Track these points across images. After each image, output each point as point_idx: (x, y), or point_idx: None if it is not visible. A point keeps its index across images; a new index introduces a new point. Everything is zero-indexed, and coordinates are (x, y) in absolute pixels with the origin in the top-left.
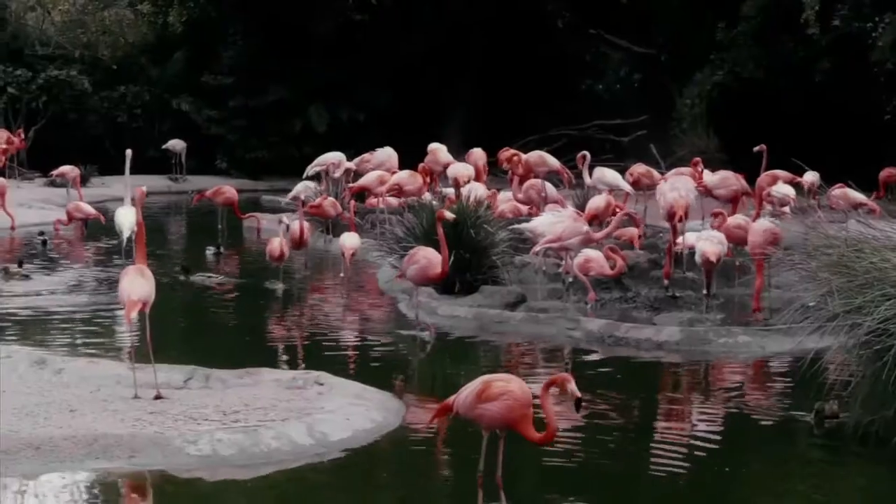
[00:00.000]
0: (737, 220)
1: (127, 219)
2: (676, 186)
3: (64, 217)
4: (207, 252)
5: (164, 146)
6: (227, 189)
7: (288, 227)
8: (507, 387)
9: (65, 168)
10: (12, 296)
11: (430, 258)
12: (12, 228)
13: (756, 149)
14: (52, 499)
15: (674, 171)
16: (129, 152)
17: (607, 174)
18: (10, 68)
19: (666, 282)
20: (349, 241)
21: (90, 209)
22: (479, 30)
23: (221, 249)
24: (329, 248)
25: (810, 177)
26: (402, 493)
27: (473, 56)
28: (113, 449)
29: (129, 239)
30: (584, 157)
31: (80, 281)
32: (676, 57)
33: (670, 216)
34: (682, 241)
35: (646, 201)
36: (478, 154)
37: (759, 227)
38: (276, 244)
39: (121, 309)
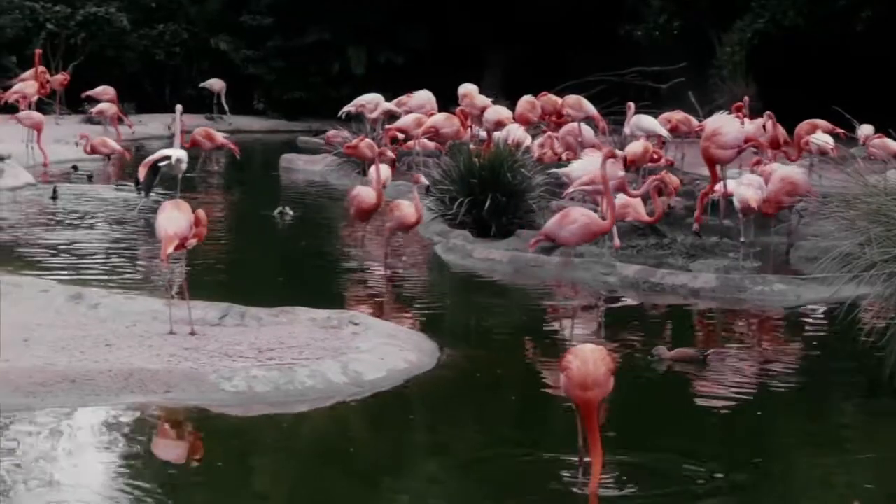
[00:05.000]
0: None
1: (176, 150)
2: (749, 182)
3: (89, 142)
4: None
5: (201, 84)
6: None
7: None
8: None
9: (103, 105)
10: (48, 229)
11: (589, 214)
12: (45, 165)
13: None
14: (89, 431)
15: (714, 116)
16: (179, 108)
17: (644, 120)
18: (49, 4)
19: (696, 226)
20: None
21: (116, 145)
22: None
23: (288, 210)
24: None
25: (867, 129)
26: (435, 434)
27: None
28: (148, 383)
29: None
30: (630, 106)
31: (115, 214)
32: (717, 4)
33: (744, 211)
34: (720, 187)
35: (683, 148)
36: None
37: (778, 175)
38: (370, 196)
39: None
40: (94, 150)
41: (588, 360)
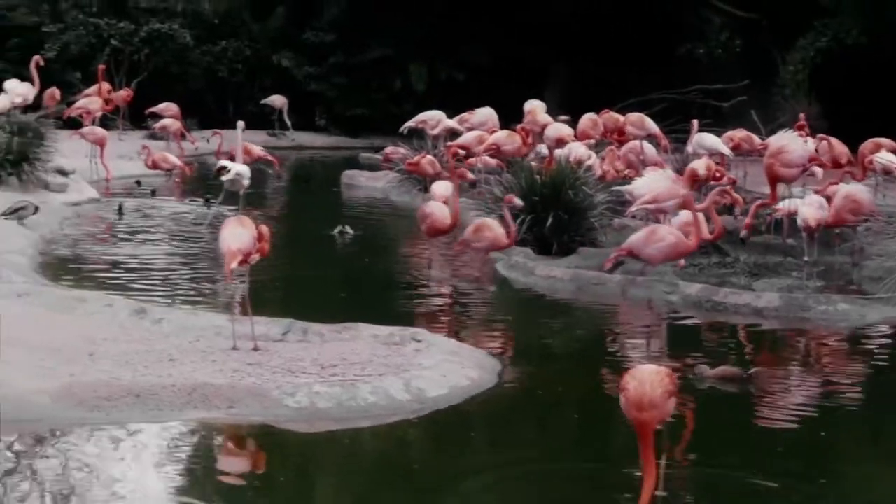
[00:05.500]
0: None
1: (240, 165)
2: (811, 201)
3: (150, 156)
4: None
5: (263, 101)
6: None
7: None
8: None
9: (166, 121)
10: (112, 244)
11: (676, 233)
12: (107, 179)
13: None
14: (153, 446)
15: (778, 134)
16: (241, 124)
17: (707, 138)
18: (114, 21)
19: (744, 233)
20: (440, 188)
21: (176, 161)
22: None
23: (348, 229)
24: None
25: None
26: (497, 452)
27: (574, 17)
28: (212, 398)
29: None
30: (693, 124)
31: (179, 230)
32: (779, 22)
33: (808, 230)
34: (783, 205)
35: (746, 167)
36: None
37: (842, 193)
38: (444, 215)
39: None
40: (155, 166)
41: (645, 381)
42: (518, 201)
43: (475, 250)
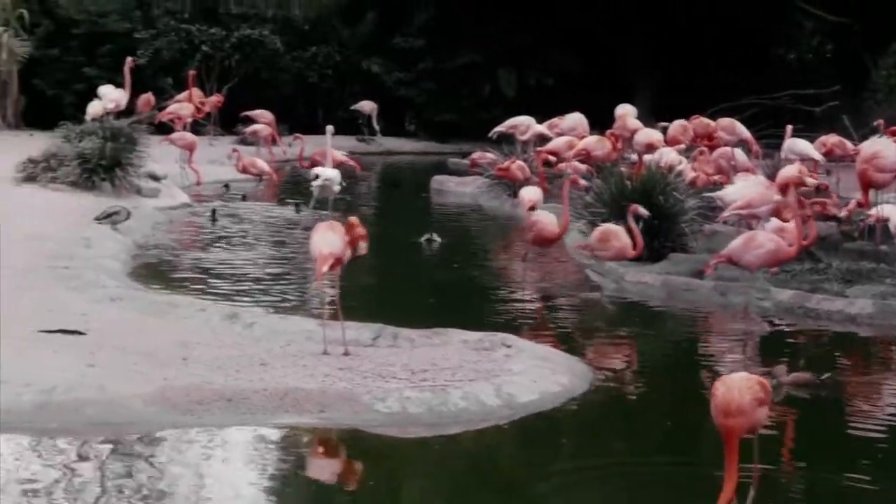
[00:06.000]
0: None
1: (332, 171)
2: None
3: (240, 161)
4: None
5: (352, 107)
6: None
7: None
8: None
9: (257, 126)
10: (204, 248)
11: (776, 239)
12: (198, 183)
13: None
14: (244, 450)
15: (871, 139)
16: (329, 129)
17: (798, 143)
18: (205, 27)
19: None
20: (529, 193)
21: (265, 167)
22: None
23: (436, 237)
24: (516, 212)
25: None
26: (588, 458)
27: (664, 22)
28: (303, 403)
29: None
30: (787, 129)
31: (270, 235)
32: (871, 27)
33: None
34: (875, 211)
35: (838, 173)
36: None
37: None
38: (553, 225)
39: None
40: (244, 170)
41: (734, 387)
42: (643, 211)
43: (599, 259)
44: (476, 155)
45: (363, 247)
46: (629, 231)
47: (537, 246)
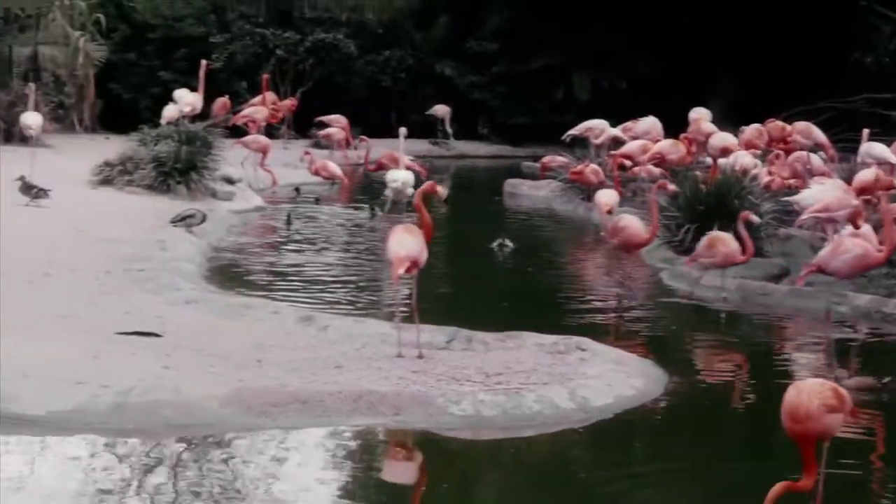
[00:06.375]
0: None
1: (402, 174)
2: None
3: (313, 163)
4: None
5: (427, 112)
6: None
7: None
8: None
9: (331, 130)
10: (278, 251)
11: (863, 245)
12: (273, 183)
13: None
14: (320, 452)
15: None
16: (402, 131)
17: (875, 148)
18: (279, 31)
19: None
20: (604, 196)
21: (337, 170)
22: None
23: (508, 242)
24: (590, 215)
25: None
26: (663, 462)
27: (739, 26)
28: (378, 405)
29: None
30: (864, 133)
31: (344, 237)
32: None
33: None
34: None
35: None
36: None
37: None
38: (641, 230)
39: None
40: (316, 173)
41: (804, 392)
42: (755, 218)
43: (706, 266)
44: (546, 159)
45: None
46: (738, 237)
47: (623, 251)
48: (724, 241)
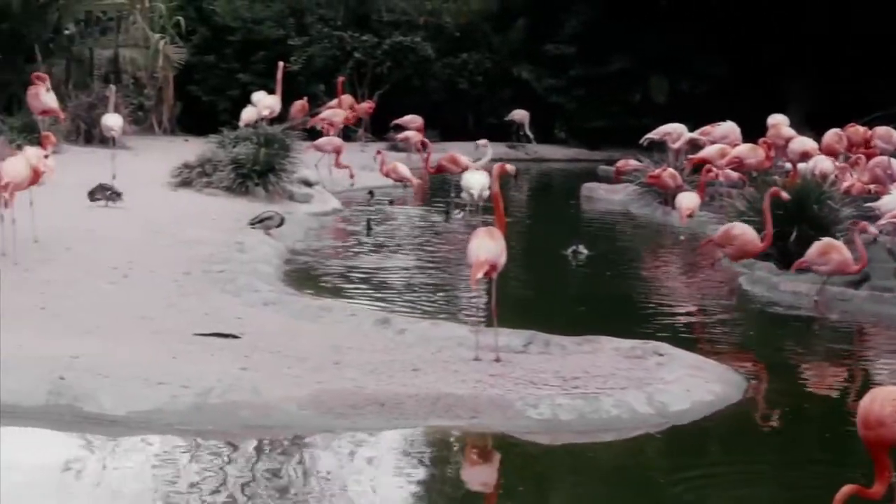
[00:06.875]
0: None
1: (477, 179)
2: None
3: (384, 164)
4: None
5: (506, 118)
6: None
7: None
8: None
9: (409, 133)
10: (355, 253)
11: None
12: (351, 177)
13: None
14: (398, 454)
15: None
16: (483, 142)
17: None
18: (357, 34)
19: None
20: (686, 200)
21: (406, 172)
22: (822, 2)
23: (582, 248)
24: (667, 219)
25: None
26: (742, 468)
27: (816, 29)
28: (455, 408)
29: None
30: None
31: (419, 240)
32: None
33: None
34: None
35: None
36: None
37: None
38: (755, 238)
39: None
40: (387, 174)
41: (877, 398)
42: (873, 229)
43: (818, 272)
44: (621, 163)
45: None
46: (851, 245)
47: (735, 259)
48: (838, 249)
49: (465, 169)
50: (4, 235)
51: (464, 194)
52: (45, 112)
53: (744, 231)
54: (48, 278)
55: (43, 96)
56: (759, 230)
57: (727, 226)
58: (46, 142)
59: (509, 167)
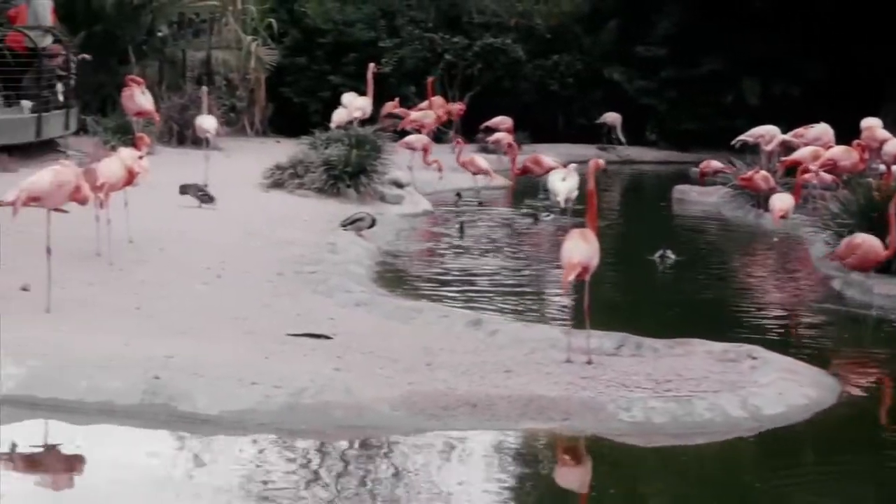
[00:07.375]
0: None
1: (563, 185)
2: None
3: (461, 154)
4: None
5: (598, 120)
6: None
7: None
8: None
9: (499, 135)
10: (446, 254)
11: None
12: (439, 170)
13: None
14: (490, 456)
15: None
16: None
17: None
18: (448, 35)
19: None
20: (780, 202)
21: (483, 164)
22: None
23: (670, 253)
24: (759, 222)
25: None
26: (836, 472)
27: None
28: (547, 410)
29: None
30: None
31: (509, 241)
32: None
33: None
34: None
35: None
36: None
37: None
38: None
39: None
40: (463, 165)
41: None
42: None
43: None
44: (703, 164)
45: None
46: None
47: (858, 269)
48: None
49: (549, 170)
50: (100, 236)
51: (552, 196)
52: (139, 113)
53: (865, 240)
54: (143, 279)
55: (138, 98)
56: (851, 233)
57: (849, 237)
58: (141, 143)
59: (601, 162)
